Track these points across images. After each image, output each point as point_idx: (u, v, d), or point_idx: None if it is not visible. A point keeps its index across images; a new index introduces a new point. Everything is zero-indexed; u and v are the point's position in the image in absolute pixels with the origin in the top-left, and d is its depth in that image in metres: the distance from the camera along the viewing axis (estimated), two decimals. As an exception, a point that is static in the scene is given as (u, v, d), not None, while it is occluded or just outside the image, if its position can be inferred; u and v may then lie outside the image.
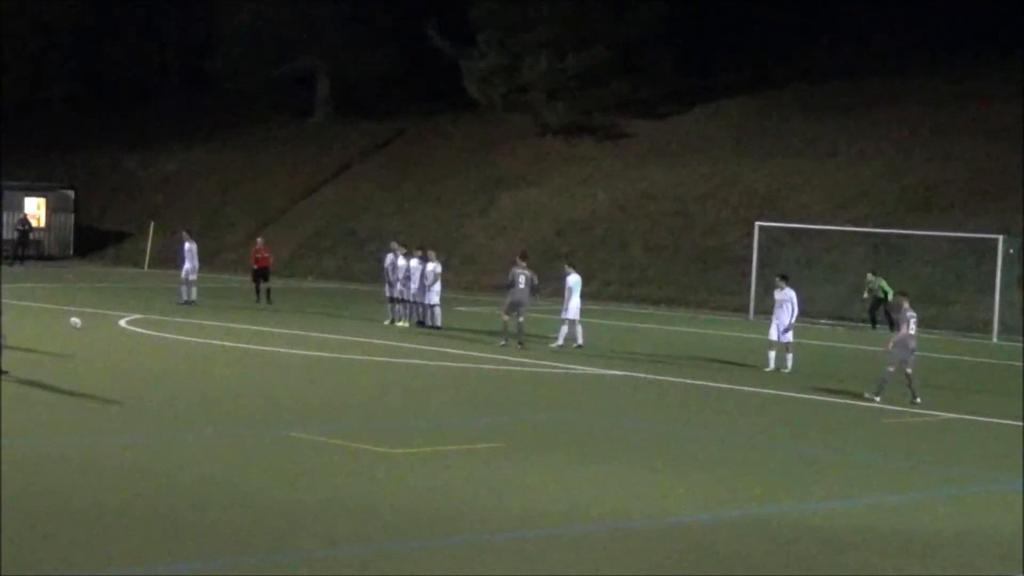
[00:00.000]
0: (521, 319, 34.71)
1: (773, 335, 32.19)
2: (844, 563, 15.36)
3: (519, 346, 34.29)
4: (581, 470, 19.69)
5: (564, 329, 35.09)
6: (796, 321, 32.35)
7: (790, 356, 32.04)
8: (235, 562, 14.33)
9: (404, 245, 41.03)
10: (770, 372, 31.68)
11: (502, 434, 22.42)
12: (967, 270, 46.49)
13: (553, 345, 34.93)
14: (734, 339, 40.39)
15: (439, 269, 39.06)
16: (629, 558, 15.27)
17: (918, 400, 27.24)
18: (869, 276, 44.91)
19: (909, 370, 27.50)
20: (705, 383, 30.01)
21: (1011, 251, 44.28)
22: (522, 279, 34.95)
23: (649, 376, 30.89)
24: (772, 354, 32.15)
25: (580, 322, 35.42)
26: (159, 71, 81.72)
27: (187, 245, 44.86)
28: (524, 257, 36.48)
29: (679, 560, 15.17)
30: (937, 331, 43.65)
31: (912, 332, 27.62)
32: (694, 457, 21.23)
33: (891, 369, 27.48)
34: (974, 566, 15.56)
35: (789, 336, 32.09)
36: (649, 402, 27.58)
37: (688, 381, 30.26)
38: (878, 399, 27.23)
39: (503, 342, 34.73)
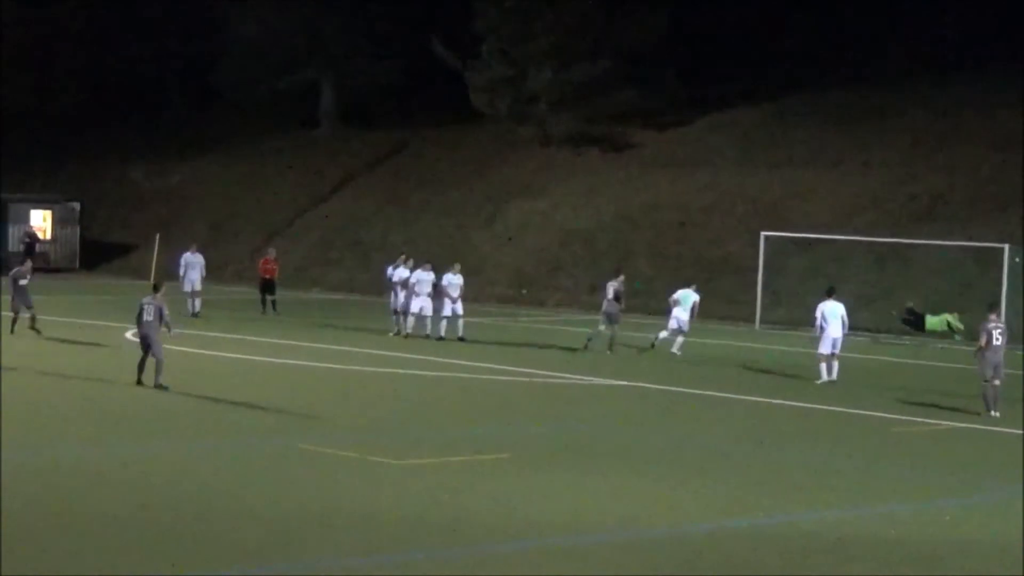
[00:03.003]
0: (616, 325, 37.26)
1: (826, 348, 32.31)
2: (851, 572, 15.36)
3: (609, 352, 36.65)
4: (587, 480, 19.69)
5: (680, 340, 37.33)
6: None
7: (835, 365, 32.27)
8: (241, 572, 14.34)
9: (424, 258, 41.85)
10: (823, 384, 31.80)
11: (508, 444, 22.42)
12: (973, 279, 46.41)
13: (675, 350, 37.06)
14: (739, 349, 40.37)
15: (461, 281, 39.87)
16: (636, 568, 15.27)
17: (993, 414, 27.30)
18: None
19: (996, 382, 27.51)
20: (711, 393, 29.99)
21: (1017, 260, 44.21)
22: (611, 290, 37.58)
23: (654, 386, 30.88)
24: (824, 367, 32.29)
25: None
26: (164, 83, 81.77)
27: (188, 256, 44.82)
28: (619, 272, 39.39)
29: (686, 569, 15.17)
30: (942, 340, 43.62)
31: (996, 344, 27.46)
32: (701, 467, 21.22)
33: (995, 382, 27.45)
34: (979, 574, 15.55)
35: (836, 348, 32.24)
36: (655, 412, 27.57)
37: (694, 391, 30.25)
38: (994, 413, 27.29)
39: (609, 351, 36.73)
